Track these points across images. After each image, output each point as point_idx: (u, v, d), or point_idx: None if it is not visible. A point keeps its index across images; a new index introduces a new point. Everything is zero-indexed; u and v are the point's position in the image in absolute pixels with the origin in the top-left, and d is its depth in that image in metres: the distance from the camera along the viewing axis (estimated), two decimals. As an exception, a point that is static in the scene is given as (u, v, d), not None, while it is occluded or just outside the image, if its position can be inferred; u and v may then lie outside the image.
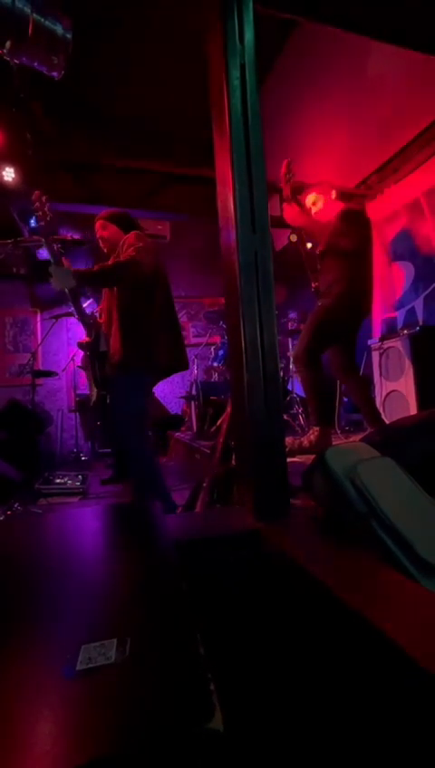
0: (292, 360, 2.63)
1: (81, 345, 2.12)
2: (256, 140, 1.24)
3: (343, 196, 2.64)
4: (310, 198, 2.57)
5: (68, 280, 1.70)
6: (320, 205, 2.54)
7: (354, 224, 2.39)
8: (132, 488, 2.05)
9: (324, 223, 2.49)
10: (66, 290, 1.77)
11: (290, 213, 2.56)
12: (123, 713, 0.36)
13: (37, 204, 1.65)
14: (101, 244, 2.11)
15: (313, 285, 2.63)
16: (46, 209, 1.65)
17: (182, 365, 2.05)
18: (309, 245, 2.74)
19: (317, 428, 2.28)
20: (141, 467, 1.96)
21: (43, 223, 1.65)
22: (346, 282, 2.33)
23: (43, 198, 1.65)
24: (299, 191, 2.60)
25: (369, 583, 0.72)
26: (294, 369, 4.07)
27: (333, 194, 2.55)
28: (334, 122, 3.69)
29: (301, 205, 2.57)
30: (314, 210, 2.56)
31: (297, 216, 2.55)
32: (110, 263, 1.93)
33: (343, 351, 2.50)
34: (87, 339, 2.07)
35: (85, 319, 2.04)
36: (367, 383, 2.53)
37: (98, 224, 2.11)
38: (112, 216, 2.12)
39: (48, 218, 1.65)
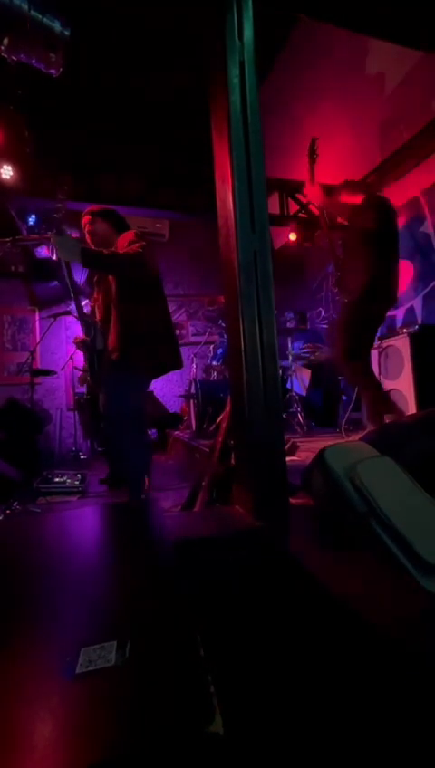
0: (336, 364, 2.63)
1: (77, 342, 2.11)
2: (255, 138, 1.24)
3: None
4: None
5: (74, 252, 1.68)
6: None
7: (377, 206, 2.39)
8: (128, 488, 2.04)
9: (348, 206, 2.47)
10: (64, 264, 1.83)
11: (313, 192, 2.55)
12: (123, 716, 0.35)
13: (60, 205, 1.89)
14: (88, 239, 2.07)
15: (336, 274, 2.61)
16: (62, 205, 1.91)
17: (178, 363, 2.05)
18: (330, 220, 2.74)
19: (390, 416, 2.24)
20: (134, 467, 1.94)
21: (58, 215, 1.84)
22: (369, 272, 2.30)
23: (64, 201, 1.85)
24: (330, 192, 2.61)
25: (367, 583, 0.72)
26: (293, 368, 4.07)
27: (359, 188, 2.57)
28: (334, 120, 3.68)
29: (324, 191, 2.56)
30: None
31: (321, 197, 2.53)
32: (120, 251, 1.92)
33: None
34: (84, 336, 2.06)
35: (83, 314, 2.04)
36: (377, 380, 2.51)
37: (86, 218, 2.08)
38: (102, 212, 2.09)
39: (62, 212, 1.89)
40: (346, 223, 2.50)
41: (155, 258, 1.96)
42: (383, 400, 2.33)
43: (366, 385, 2.34)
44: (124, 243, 1.92)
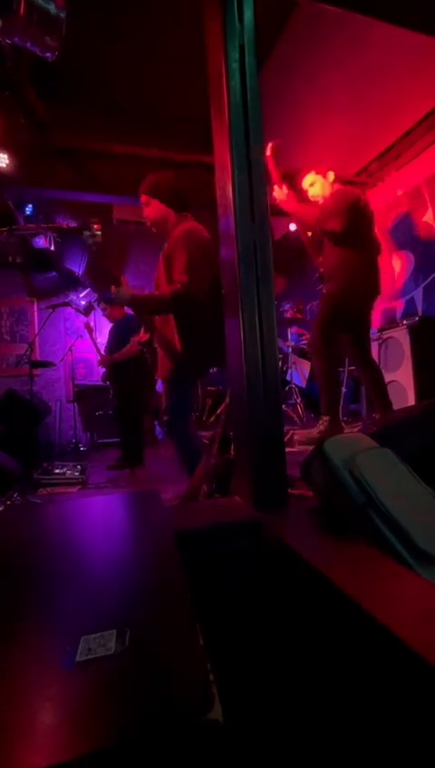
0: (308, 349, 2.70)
1: (140, 342, 2.26)
2: (255, 125, 1.21)
3: (343, 183, 2.58)
4: (307, 179, 2.51)
5: (125, 300, 1.89)
6: (317, 187, 2.48)
7: (342, 204, 2.29)
8: (186, 470, 2.11)
9: (320, 206, 2.42)
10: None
11: (282, 198, 2.46)
12: (123, 704, 0.36)
13: (91, 241, 1.86)
14: (148, 224, 1.97)
15: (319, 271, 2.61)
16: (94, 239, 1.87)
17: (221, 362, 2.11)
18: (310, 233, 2.71)
19: (327, 418, 2.29)
20: (188, 450, 2.07)
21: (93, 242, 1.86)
22: (347, 266, 2.31)
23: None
24: (290, 177, 2.55)
25: (367, 573, 0.73)
26: (292, 360, 4.07)
27: (331, 176, 2.48)
28: (335, 108, 3.62)
29: (295, 189, 2.51)
30: (310, 192, 2.51)
31: (288, 201, 2.44)
32: (167, 292, 1.81)
33: (356, 340, 2.48)
34: (146, 336, 2.18)
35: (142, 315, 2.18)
36: (381, 374, 2.51)
37: (141, 197, 1.92)
38: (155, 189, 1.87)
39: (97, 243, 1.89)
40: (315, 227, 2.45)
41: (207, 260, 1.81)
42: (334, 402, 2.34)
43: (325, 381, 2.33)
44: (173, 250, 1.81)
